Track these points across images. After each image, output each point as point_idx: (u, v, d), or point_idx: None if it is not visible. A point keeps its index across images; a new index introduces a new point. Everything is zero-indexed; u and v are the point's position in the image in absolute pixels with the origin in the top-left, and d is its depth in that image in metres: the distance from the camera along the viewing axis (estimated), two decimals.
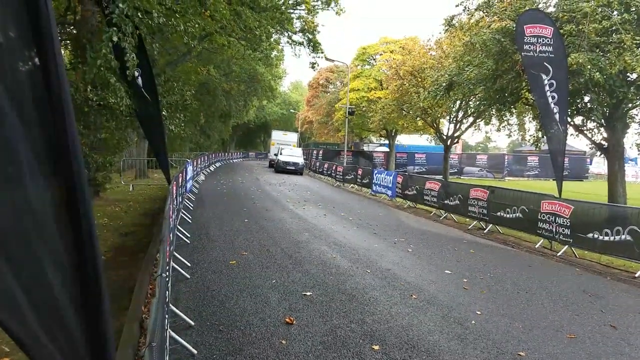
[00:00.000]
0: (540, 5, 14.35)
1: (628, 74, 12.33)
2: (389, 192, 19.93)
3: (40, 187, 0.84)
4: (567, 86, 11.32)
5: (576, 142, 40.76)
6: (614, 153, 14.00)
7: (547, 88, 11.13)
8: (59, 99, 0.83)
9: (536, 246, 11.17)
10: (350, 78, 37.47)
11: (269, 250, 8.71)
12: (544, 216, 11.07)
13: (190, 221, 11.02)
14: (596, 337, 5.55)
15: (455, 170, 39.48)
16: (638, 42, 11.29)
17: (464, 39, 17.99)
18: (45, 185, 0.85)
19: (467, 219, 14.26)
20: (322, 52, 20.20)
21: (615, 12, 11.98)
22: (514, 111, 18.06)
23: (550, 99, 11.15)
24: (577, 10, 12.11)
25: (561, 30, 11.83)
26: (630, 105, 13.39)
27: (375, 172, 22.71)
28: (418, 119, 27.51)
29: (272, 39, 20.44)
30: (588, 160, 44.54)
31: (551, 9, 14.10)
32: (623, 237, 9.16)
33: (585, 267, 9.58)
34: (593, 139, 14.81)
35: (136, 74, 8.97)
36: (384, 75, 35.39)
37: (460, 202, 14.58)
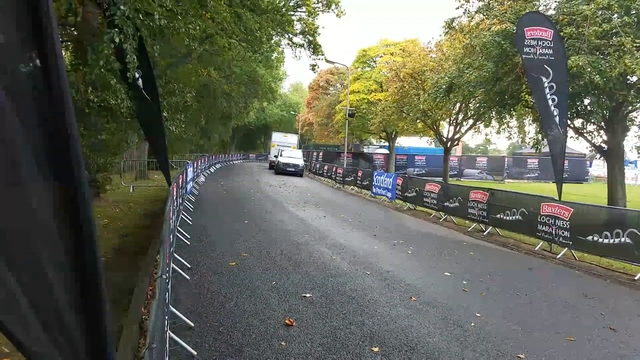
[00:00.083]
0: (540, 8, 14.37)
1: (628, 77, 12.34)
2: (389, 194, 19.93)
3: (41, 188, 0.84)
4: (567, 89, 11.33)
5: (576, 145, 40.84)
6: (613, 156, 14.00)
7: (547, 91, 11.14)
8: (60, 100, 0.84)
9: (536, 248, 11.17)
10: (350, 80, 37.51)
11: (269, 252, 8.71)
12: (543, 219, 11.06)
13: (190, 223, 11.01)
14: (596, 340, 5.54)
15: (455, 173, 39.46)
16: (638, 45, 11.30)
17: (464, 42, 18.02)
18: (45, 186, 0.85)
19: (467, 221, 14.25)
20: (322, 54, 20.23)
21: (615, 15, 12.00)
22: (513, 114, 18.08)
23: (550, 102, 11.16)
24: (577, 13, 12.13)
25: (561, 33, 11.85)
26: (630, 108, 13.40)
27: (375, 174, 22.72)
28: (418, 121, 27.52)
29: (272, 41, 20.48)
30: (588, 162, 44.51)
31: (551, 12, 14.13)
32: (623, 239, 9.15)
33: (585, 269, 9.57)
34: (593, 141, 14.82)
35: (137, 75, 8.98)
36: (384, 78, 35.43)
37: (460, 205, 14.58)
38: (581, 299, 7.36)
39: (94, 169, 12.04)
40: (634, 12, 11.82)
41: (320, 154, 47.31)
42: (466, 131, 26.11)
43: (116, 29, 7.61)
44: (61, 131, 0.84)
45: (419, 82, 24.82)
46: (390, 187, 19.89)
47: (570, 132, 14.37)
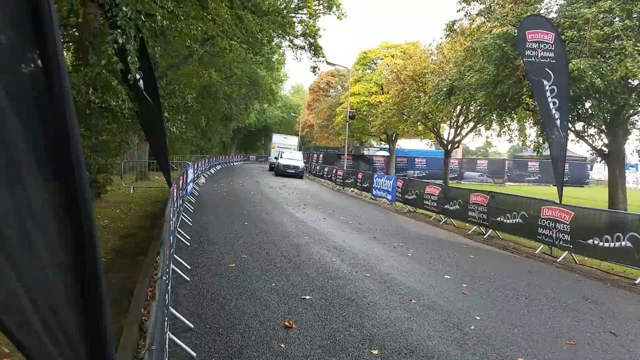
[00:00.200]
0: (541, 11, 14.39)
1: (629, 80, 12.35)
2: (389, 197, 19.93)
3: (42, 188, 0.84)
4: (568, 92, 11.33)
5: (577, 148, 40.76)
6: (614, 159, 13.99)
7: (548, 94, 11.14)
8: (61, 100, 0.84)
9: (536, 252, 11.16)
10: (351, 82, 37.53)
11: (269, 254, 8.71)
12: (544, 222, 11.05)
13: (190, 224, 11.01)
14: (596, 344, 5.53)
15: (456, 175, 39.49)
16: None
17: (465, 44, 18.04)
18: (46, 187, 0.85)
19: (467, 224, 14.24)
20: (323, 56, 20.25)
21: (616, 19, 12.00)
22: (514, 116, 18.07)
23: (551, 105, 11.17)
24: (579, 17, 12.13)
25: (563, 36, 11.85)
26: (631, 111, 13.41)
27: (375, 176, 22.72)
28: (418, 123, 27.52)
29: (273, 43, 20.50)
30: (589, 166, 44.54)
31: (553, 15, 14.14)
32: (623, 243, 9.14)
33: (585, 273, 9.56)
34: (594, 145, 14.82)
35: (137, 76, 8.99)
36: (384, 80, 35.46)
37: (460, 207, 14.57)
38: (581, 302, 7.35)
39: (94, 169, 12.04)
40: (636, 15, 11.83)
41: (321, 155, 47.34)
42: (467, 134, 26.11)
43: (119, 30, 7.62)
44: (62, 132, 0.84)
45: (420, 84, 24.83)
46: (390, 189, 19.89)
47: (571, 136, 14.36)
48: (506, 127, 20.48)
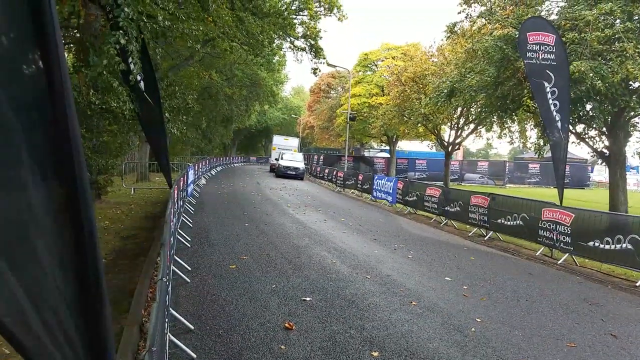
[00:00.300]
0: (542, 13, 14.38)
1: (630, 83, 12.34)
2: (390, 198, 19.92)
3: (43, 189, 0.84)
4: (569, 94, 11.33)
5: (578, 150, 40.76)
6: (615, 161, 13.98)
7: (549, 96, 11.14)
8: (62, 101, 0.84)
9: (537, 254, 11.14)
10: (351, 84, 37.53)
11: (269, 255, 8.70)
12: (544, 224, 11.04)
13: (191, 225, 11.01)
14: (596, 346, 5.52)
15: (456, 177, 39.44)
16: None
17: (466, 46, 18.04)
18: (47, 188, 0.85)
19: (468, 226, 14.23)
20: (324, 58, 20.26)
21: (617, 21, 11.99)
22: (515, 118, 18.05)
23: (552, 107, 11.16)
24: (580, 19, 12.12)
25: (563, 38, 11.85)
26: (632, 113, 13.39)
27: (376, 177, 22.72)
28: (419, 125, 27.50)
29: (274, 45, 20.50)
30: (589, 168, 44.50)
31: (553, 17, 14.14)
32: (624, 245, 9.13)
33: (586, 275, 9.55)
34: (595, 147, 14.80)
35: (138, 78, 9.00)
36: (385, 81, 35.45)
37: (460, 209, 14.56)
38: (582, 304, 7.34)
39: (95, 170, 12.06)
40: (637, 17, 11.83)
41: (321, 157, 47.30)
42: (467, 135, 26.11)
43: (120, 31, 7.63)
44: (63, 133, 0.84)
45: (421, 86, 24.83)
46: (391, 191, 19.88)
47: (572, 138, 14.35)
48: (507, 129, 20.48)
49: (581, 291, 8.20)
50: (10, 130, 0.76)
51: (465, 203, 14.24)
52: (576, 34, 12.10)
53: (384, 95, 34.94)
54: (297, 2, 19.69)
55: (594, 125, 13.99)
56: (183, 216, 11.14)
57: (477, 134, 24.93)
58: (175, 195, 8.78)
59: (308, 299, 6.32)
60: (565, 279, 9.18)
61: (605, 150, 14.35)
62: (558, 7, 14.56)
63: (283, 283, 6.98)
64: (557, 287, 8.30)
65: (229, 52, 16.46)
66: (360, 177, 24.78)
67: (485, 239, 12.97)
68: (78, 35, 12.67)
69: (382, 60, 40.44)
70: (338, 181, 28.01)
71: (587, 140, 14.87)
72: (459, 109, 23.25)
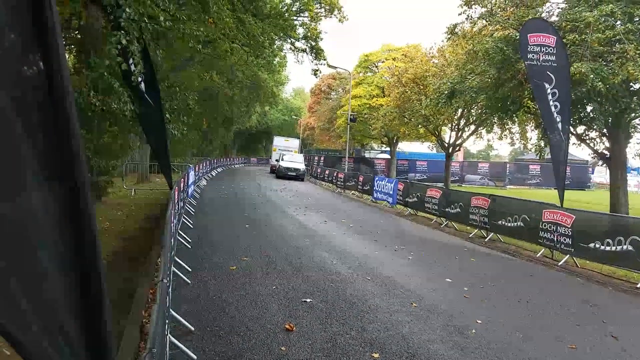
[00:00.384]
0: (543, 15, 14.40)
1: (631, 84, 12.35)
2: (390, 199, 19.91)
3: (43, 191, 0.84)
4: (569, 95, 11.33)
5: (578, 152, 40.75)
6: (616, 163, 13.98)
7: (549, 97, 11.13)
8: (63, 103, 0.84)
9: (537, 255, 11.13)
10: (352, 85, 37.56)
11: (270, 256, 8.70)
12: (545, 225, 11.03)
13: (191, 226, 11.01)
14: (597, 348, 5.51)
15: (457, 178, 39.41)
16: None
17: (467, 47, 18.06)
18: (48, 189, 0.85)
19: (468, 227, 14.21)
20: (324, 59, 20.26)
21: (618, 22, 12.01)
22: (515, 120, 18.08)
23: (552, 108, 11.16)
24: (580, 20, 12.14)
25: (564, 40, 11.86)
26: (633, 115, 13.40)
27: (377, 179, 22.71)
28: (420, 126, 27.55)
29: (274, 46, 20.52)
30: (590, 169, 44.47)
31: (554, 18, 14.16)
32: (625, 247, 9.11)
33: (587, 277, 9.53)
34: (595, 148, 14.81)
35: (139, 79, 9.02)
36: (386, 83, 35.48)
37: (461, 210, 14.54)
38: (583, 306, 7.33)
39: (96, 171, 12.06)
40: (637, 19, 11.85)
41: (322, 158, 47.35)
42: (468, 137, 26.13)
43: (122, 31, 7.65)
44: (63, 134, 0.84)
45: (421, 87, 24.86)
46: (391, 192, 19.87)
47: (573, 139, 14.36)
48: (507, 131, 20.51)
49: (582, 293, 8.19)
50: (11, 132, 0.76)
51: (466, 204, 14.23)
52: (577, 36, 12.12)
53: (384, 97, 34.97)
54: (297, 4, 19.72)
55: (595, 127, 14.00)
56: (184, 217, 11.14)
57: (478, 135, 24.96)
58: (176, 196, 8.78)
59: (308, 300, 6.32)
60: (566, 280, 9.17)
61: (606, 152, 14.36)
62: (559, 8, 14.59)
63: (283, 284, 6.97)
64: (557, 289, 8.29)
65: (230, 54, 16.46)
66: (360, 179, 24.78)
67: (486, 240, 12.95)
68: (79, 36, 12.70)
69: (383, 62, 40.47)
70: (338, 182, 28.01)
71: (587, 141, 14.89)
72: (460, 110, 23.27)
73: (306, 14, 19.62)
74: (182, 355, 4.37)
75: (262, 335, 5.01)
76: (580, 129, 14.88)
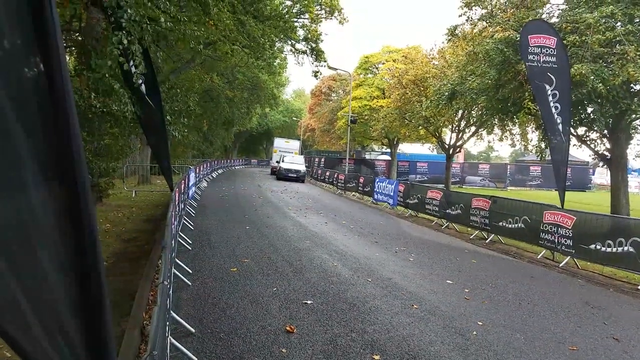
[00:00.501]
0: (543, 16, 14.40)
1: (631, 85, 12.34)
2: (391, 201, 19.91)
3: (44, 192, 0.84)
4: (570, 97, 11.33)
5: (579, 153, 40.76)
6: (617, 164, 13.97)
7: (550, 98, 11.14)
8: (64, 105, 0.84)
9: (538, 257, 11.12)
10: (352, 86, 37.58)
11: (270, 258, 8.70)
12: (546, 227, 11.03)
13: (192, 228, 11.01)
14: (598, 350, 5.51)
15: (457, 180, 39.39)
16: None
17: (467, 49, 18.07)
18: (48, 191, 0.85)
19: (469, 229, 14.21)
20: (325, 61, 20.27)
21: (619, 24, 12.01)
22: (516, 121, 18.07)
23: (553, 109, 11.16)
24: (581, 21, 12.14)
25: (565, 41, 11.86)
26: (633, 116, 13.38)
27: (377, 180, 22.71)
28: (420, 127, 27.54)
29: (275, 48, 20.54)
30: (591, 170, 44.42)
31: (554, 20, 14.16)
32: (626, 248, 9.11)
33: (588, 278, 9.52)
34: (596, 149, 14.80)
35: (140, 81, 9.03)
36: (386, 84, 35.50)
37: (462, 212, 14.54)
38: (584, 308, 7.32)
39: (96, 173, 12.06)
40: (638, 20, 11.85)
41: (322, 159, 47.33)
42: (468, 138, 26.11)
43: (123, 32, 7.67)
44: (64, 135, 0.84)
45: (422, 88, 24.87)
46: (392, 193, 19.87)
47: (573, 140, 14.35)
48: (508, 132, 20.50)
49: (583, 294, 8.18)
50: (11, 133, 0.76)
51: (467, 206, 14.23)
52: (577, 37, 12.12)
53: (385, 98, 34.97)
54: (298, 5, 19.73)
55: (595, 128, 13.98)
56: (184, 219, 11.14)
57: (478, 137, 24.93)
58: (177, 198, 8.78)
59: (309, 302, 6.31)
60: (567, 282, 9.16)
61: (606, 153, 14.34)
62: (559, 10, 14.59)
63: (284, 286, 6.97)
64: (558, 290, 8.28)
65: (230, 55, 16.49)
66: (361, 180, 24.78)
67: (487, 241, 12.95)
68: (80, 38, 12.70)
69: (383, 63, 40.52)
70: (339, 184, 28.01)
71: (588, 142, 14.87)
72: (460, 111, 23.27)
73: (306, 15, 19.63)
74: (182, 357, 4.36)
75: (263, 337, 5.00)
76: (581, 130, 14.86)
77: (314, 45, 19.83)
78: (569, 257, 10.40)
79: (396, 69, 31.70)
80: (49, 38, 0.81)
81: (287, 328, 5.28)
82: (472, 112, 22.56)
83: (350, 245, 10.70)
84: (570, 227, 10.35)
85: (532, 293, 7.86)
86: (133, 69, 8.46)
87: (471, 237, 13.59)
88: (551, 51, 11.15)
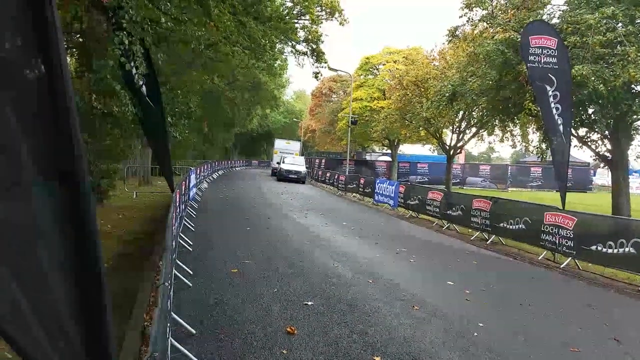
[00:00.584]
0: (544, 17, 14.40)
1: (632, 86, 12.34)
2: (391, 202, 19.90)
3: (45, 194, 0.84)
4: (571, 98, 11.32)
5: (580, 154, 40.74)
6: (618, 165, 13.96)
7: (551, 99, 11.12)
8: (64, 106, 0.84)
9: (539, 258, 11.10)
10: (353, 87, 37.60)
11: (271, 259, 8.69)
12: (547, 228, 11.01)
13: (192, 229, 11.01)
14: (600, 351, 5.49)
15: (458, 181, 39.38)
16: None
17: (468, 50, 18.08)
18: (49, 192, 0.85)
19: (470, 230, 14.20)
20: (325, 62, 20.25)
21: (619, 25, 12.01)
22: (517, 122, 18.07)
23: (554, 110, 11.15)
24: (582, 22, 12.14)
25: (565, 42, 11.86)
26: (634, 117, 13.38)
27: (378, 181, 22.70)
28: (421, 128, 27.56)
29: (276, 49, 20.54)
30: (592, 171, 44.41)
31: (555, 21, 14.16)
32: (627, 249, 9.09)
33: (589, 279, 9.51)
34: (597, 150, 14.79)
35: (140, 82, 9.04)
36: (387, 85, 35.54)
37: (462, 213, 14.53)
38: (585, 309, 7.30)
39: (97, 175, 12.07)
40: (639, 21, 11.84)
41: (323, 161, 47.38)
42: (469, 139, 26.12)
43: (124, 32, 7.68)
44: (65, 137, 0.84)
45: (422, 90, 24.87)
46: (392, 194, 19.86)
47: (574, 141, 14.35)
48: (509, 133, 20.49)
49: (584, 296, 8.17)
50: (12, 134, 0.76)
51: (467, 207, 14.21)
52: (578, 38, 12.13)
53: (385, 99, 35.00)
54: (298, 7, 19.73)
55: (596, 129, 13.98)
56: (185, 220, 11.14)
57: (479, 138, 24.93)
58: (177, 199, 8.78)
59: (310, 303, 6.30)
60: (568, 283, 9.15)
61: (607, 154, 14.34)
62: (560, 10, 14.60)
63: (285, 287, 6.96)
64: (559, 292, 8.27)
65: (231, 57, 16.49)
66: (361, 181, 24.77)
67: (488, 242, 12.93)
68: (81, 40, 12.72)
69: (384, 64, 40.55)
70: (340, 185, 28.01)
71: (589, 143, 14.87)
72: (461, 112, 23.27)
73: (307, 17, 19.62)
74: (183, 359, 4.36)
75: (264, 339, 5.00)
76: (582, 131, 14.86)
77: (314, 46, 19.83)
78: (570, 258, 10.38)
79: (397, 70, 31.73)
80: (49, 39, 0.81)
81: (288, 329, 5.28)
82: (473, 113, 22.54)
83: (351, 246, 10.69)
84: (571, 228, 10.34)
85: (534, 294, 7.85)
86: (134, 70, 8.47)
87: (472, 238, 13.57)
88: (552, 52, 11.14)
